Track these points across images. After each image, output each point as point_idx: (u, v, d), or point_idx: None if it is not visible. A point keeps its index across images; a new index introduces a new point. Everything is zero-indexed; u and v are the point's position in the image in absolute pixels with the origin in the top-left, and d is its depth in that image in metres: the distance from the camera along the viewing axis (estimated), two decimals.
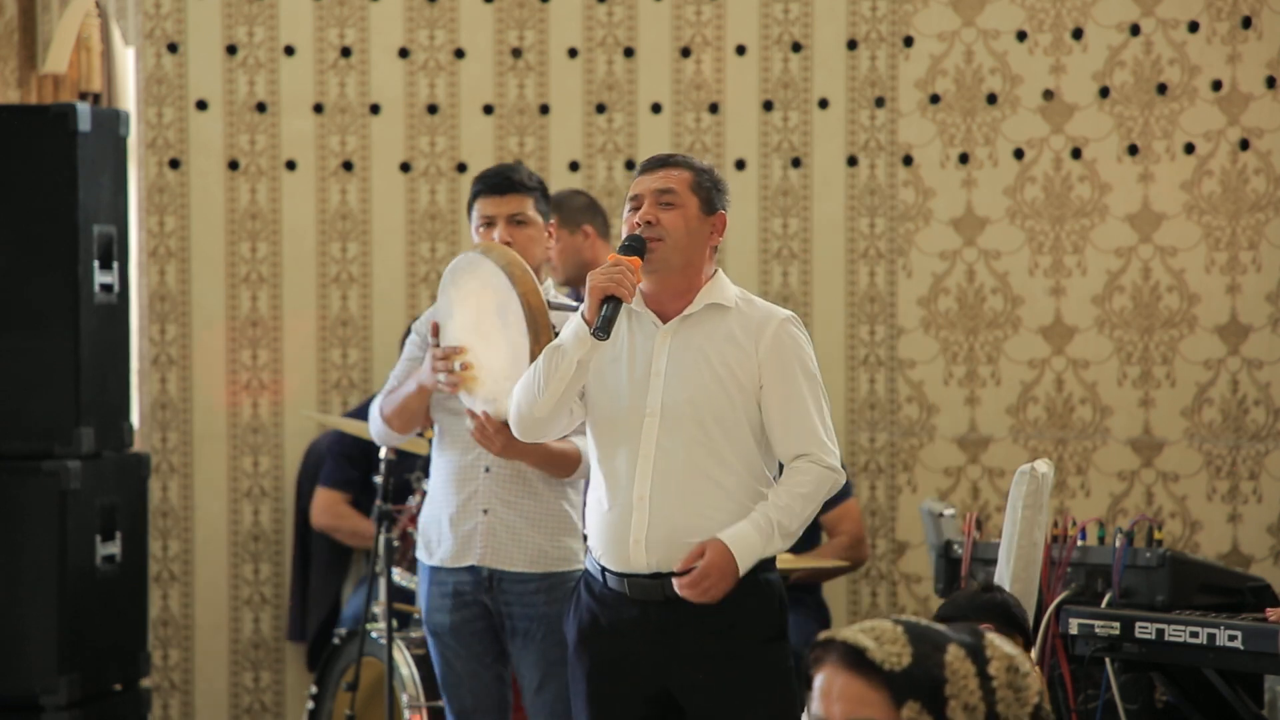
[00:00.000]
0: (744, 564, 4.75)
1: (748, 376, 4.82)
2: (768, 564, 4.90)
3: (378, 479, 6.65)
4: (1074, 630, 6.02)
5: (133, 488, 7.19)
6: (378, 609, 6.76)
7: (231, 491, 8.12)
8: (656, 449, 4.81)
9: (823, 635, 3.00)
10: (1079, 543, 6.28)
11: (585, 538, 5.89)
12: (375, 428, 5.86)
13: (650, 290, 4.86)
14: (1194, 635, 5.79)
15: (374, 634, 6.80)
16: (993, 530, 7.38)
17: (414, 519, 6.79)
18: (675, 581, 4.76)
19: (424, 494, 6.80)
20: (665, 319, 4.88)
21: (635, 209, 4.86)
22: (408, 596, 7.00)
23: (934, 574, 6.54)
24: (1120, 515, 7.65)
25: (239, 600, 8.14)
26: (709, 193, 4.90)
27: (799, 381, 4.84)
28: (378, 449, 7.14)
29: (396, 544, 6.87)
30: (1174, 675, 6.00)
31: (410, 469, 6.90)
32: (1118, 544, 6.17)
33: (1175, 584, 6.08)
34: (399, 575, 6.88)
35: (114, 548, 7.02)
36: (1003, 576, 5.61)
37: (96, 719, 6.95)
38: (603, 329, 4.72)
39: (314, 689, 7.13)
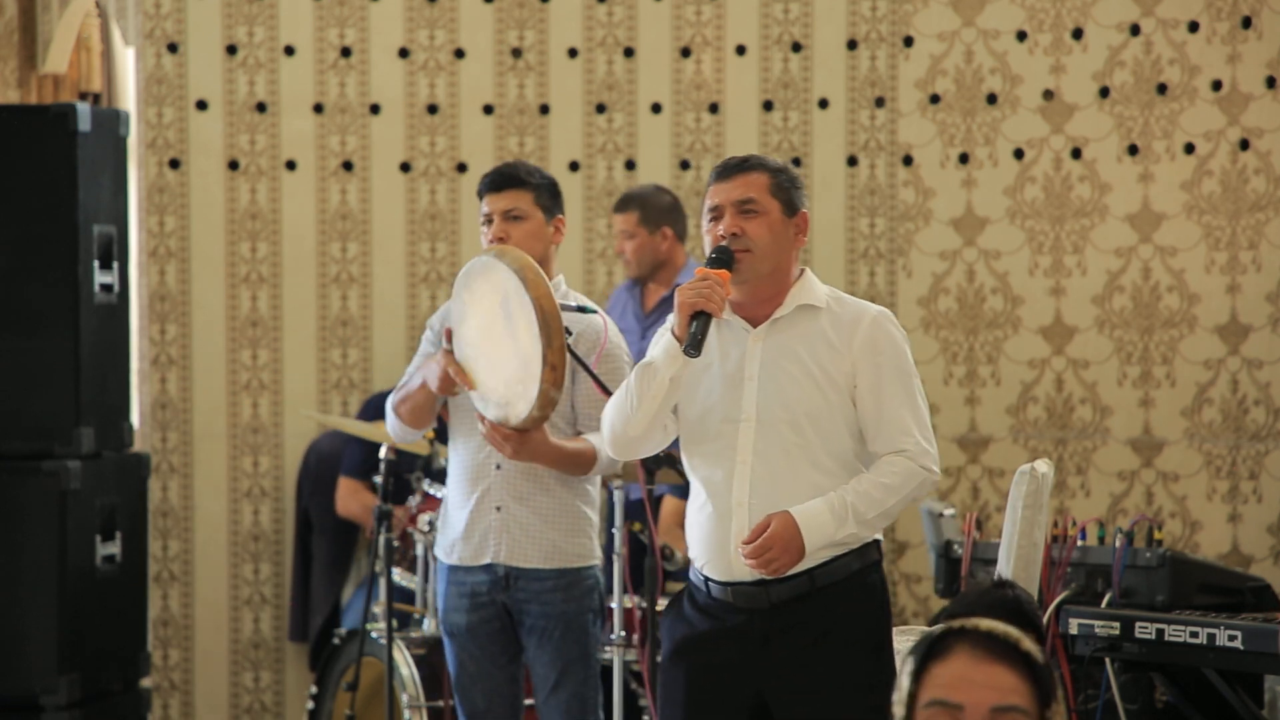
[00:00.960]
0: (811, 541, 4.65)
1: (842, 376, 4.73)
2: (873, 566, 4.80)
3: (378, 479, 6.66)
4: (1074, 630, 6.01)
5: (133, 488, 7.18)
6: (378, 609, 6.76)
7: (231, 491, 8.12)
8: (754, 454, 4.71)
9: (955, 623, 2.98)
10: (1079, 543, 6.28)
11: (597, 534, 5.87)
12: (389, 422, 5.87)
13: (739, 298, 4.77)
14: (1194, 635, 5.79)
15: (374, 634, 6.80)
16: (993, 530, 7.38)
17: (414, 519, 6.79)
18: (740, 550, 4.67)
19: (424, 494, 6.80)
20: (755, 323, 4.78)
21: (715, 219, 4.76)
22: (408, 596, 7.00)
23: (934, 574, 6.54)
24: (1120, 515, 7.65)
25: (239, 600, 8.14)
26: (789, 193, 4.79)
27: (893, 379, 4.74)
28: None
29: (396, 544, 6.87)
30: (1174, 675, 6.00)
31: (410, 469, 6.90)
32: (1118, 544, 6.16)
33: (1175, 584, 6.07)
34: (399, 575, 6.88)
35: (114, 548, 7.02)
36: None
37: (96, 719, 6.95)
38: (694, 346, 4.63)
39: (314, 689, 7.13)
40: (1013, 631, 2.93)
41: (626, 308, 7.67)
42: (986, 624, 2.94)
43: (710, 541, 4.76)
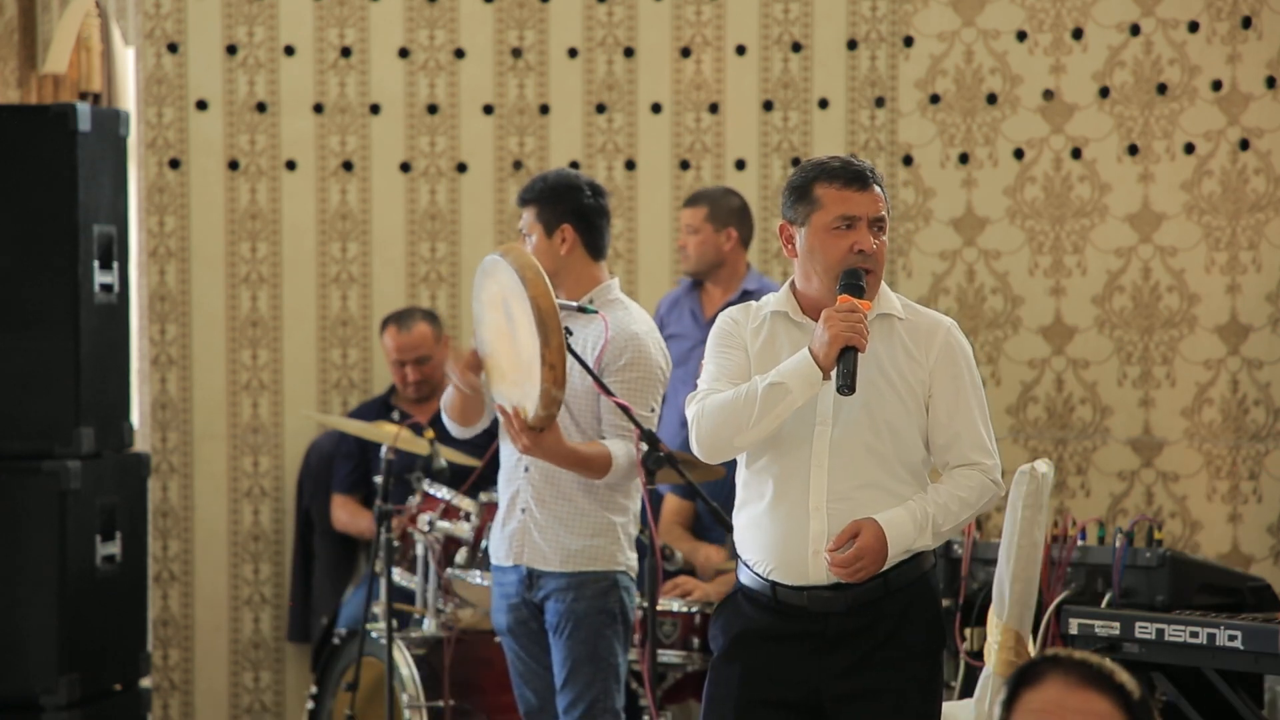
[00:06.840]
0: (894, 551, 4.62)
1: (920, 385, 4.70)
2: (934, 569, 4.80)
3: (378, 479, 6.66)
4: (1074, 630, 6.01)
5: (133, 488, 7.18)
6: (378, 609, 6.76)
7: (231, 491, 8.12)
8: (830, 456, 4.66)
9: (1049, 652, 2.96)
10: (1079, 543, 6.28)
11: (627, 541, 5.85)
12: (448, 426, 5.93)
13: (821, 303, 4.70)
14: (1194, 635, 5.79)
15: (374, 634, 6.80)
16: (993, 530, 7.38)
17: (414, 519, 6.80)
18: (828, 559, 4.60)
19: (424, 494, 6.81)
20: None
21: (849, 228, 4.68)
22: (408, 596, 7.00)
23: None
24: (1120, 515, 7.65)
25: (239, 600, 8.14)
26: (887, 205, 4.78)
27: (969, 392, 4.75)
28: (377, 446, 7.15)
29: (397, 544, 6.87)
30: (1174, 675, 6.00)
31: (410, 469, 6.91)
32: (1118, 544, 6.17)
33: (1175, 584, 6.08)
34: (399, 575, 6.88)
35: (114, 548, 7.02)
36: (1003, 576, 5.61)
37: (96, 719, 6.95)
38: (849, 385, 4.54)
39: (314, 689, 7.13)
40: (1107, 662, 2.90)
41: (683, 306, 7.65)
42: (1080, 654, 2.92)
43: (782, 546, 4.70)
